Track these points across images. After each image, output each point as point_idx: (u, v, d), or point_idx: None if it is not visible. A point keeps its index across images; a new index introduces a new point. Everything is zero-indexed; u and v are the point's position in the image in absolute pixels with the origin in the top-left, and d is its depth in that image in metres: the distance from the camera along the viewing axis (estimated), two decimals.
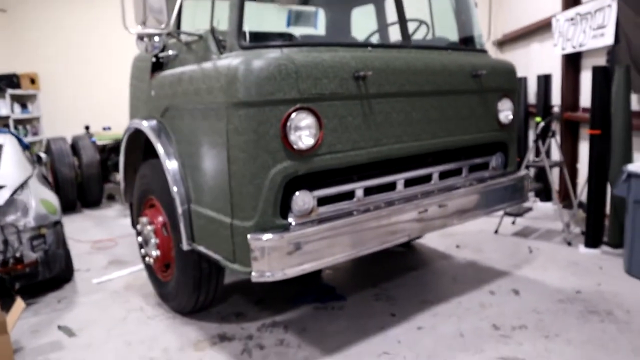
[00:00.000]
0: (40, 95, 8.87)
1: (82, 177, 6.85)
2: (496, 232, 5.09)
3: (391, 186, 3.05)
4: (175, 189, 3.02)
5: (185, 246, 3.02)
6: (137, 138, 3.73)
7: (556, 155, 5.65)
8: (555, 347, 2.90)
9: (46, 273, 3.90)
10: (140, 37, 2.84)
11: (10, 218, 3.73)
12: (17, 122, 8.58)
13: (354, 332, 3.18)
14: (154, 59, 3.42)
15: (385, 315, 3.39)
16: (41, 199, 3.99)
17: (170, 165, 3.08)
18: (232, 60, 2.51)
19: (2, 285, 3.66)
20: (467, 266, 4.27)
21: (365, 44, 3.05)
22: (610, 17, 4.73)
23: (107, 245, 5.32)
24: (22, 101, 8.80)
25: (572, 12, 5.52)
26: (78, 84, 9.06)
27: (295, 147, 2.50)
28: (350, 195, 2.86)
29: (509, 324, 3.21)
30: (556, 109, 5.90)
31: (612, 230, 4.40)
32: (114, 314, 3.61)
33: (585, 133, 5.71)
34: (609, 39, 4.76)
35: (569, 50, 5.60)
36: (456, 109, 3.26)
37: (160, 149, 3.14)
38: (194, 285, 3.23)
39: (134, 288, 4.10)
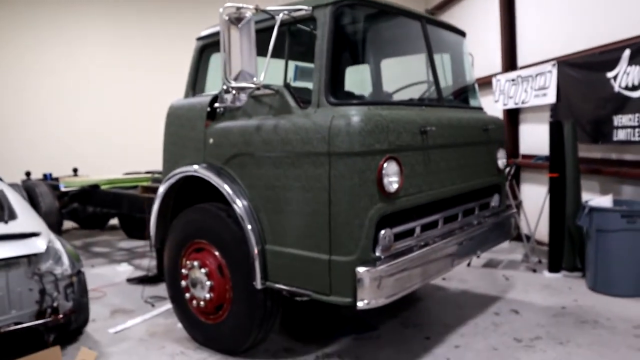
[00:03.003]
0: None
1: None
2: (469, 265, 5.76)
3: (434, 223, 3.55)
4: (249, 227, 3.23)
5: (259, 285, 3.22)
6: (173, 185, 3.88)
7: None
8: (572, 351, 3.52)
9: (74, 323, 3.79)
10: (227, 91, 3.10)
11: (45, 266, 3.61)
12: None
13: (405, 355, 3.55)
14: (208, 109, 3.65)
15: (421, 339, 3.81)
16: (66, 246, 3.90)
17: (242, 207, 3.29)
18: (331, 115, 2.87)
19: (37, 338, 3.51)
20: (462, 294, 4.86)
21: (419, 103, 3.57)
22: (551, 80, 5.79)
23: (96, 295, 5.12)
24: None
25: (513, 74, 6.60)
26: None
27: (386, 190, 2.91)
28: (409, 232, 3.30)
29: (526, 336, 3.79)
30: None
31: (568, 256, 5.27)
32: None
33: (526, 175, 6.74)
34: (551, 98, 5.82)
35: (511, 106, 6.65)
36: (474, 157, 3.89)
37: (229, 191, 3.34)
38: (258, 324, 3.40)
39: (159, 334, 4.08)
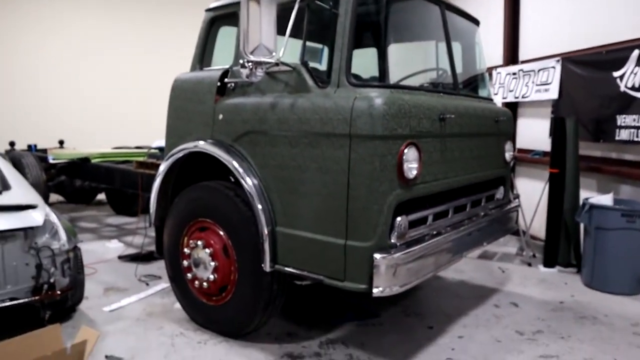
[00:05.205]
0: None
1: None
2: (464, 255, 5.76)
3: (444, 213, 3.50)
4: (259, 207, 3.15)
5: (267, 268, 3.14)
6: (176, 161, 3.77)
7: None
8: (574, 345, 3.54)
9: (70, 301, 3.67)
10: (243, 65, 2.98)
11: (42, 240, 3.47)
12: None
13: (409, 344, 3.52)
14: (219, 83, 3.53)
15: (424, 328, 3.79)
16: (62, 220, 3.76)
17: (252, 185, 3.19)
18: (353, 97, 2.78)
19: (33, 315, 3.38)
20: (460, 284, 4.86)
21: (437, 90, 3.50)
22: (554, 76, 5.79)
23: (88, 271, 4.96)
24: None
25: (514, 68, 6.58)
26: None
27: (405, 176, 2.85)
28: (421, 220, 3.25)
29: (528, 330, 3.80)
30: None
31: (563, 252, 5.31)
32: (158, 340, 3.52)
33: (521, 170, 6.77)
34: (553, 94, 5.81)
35: (511, 99, 6.64)
36: (485, 148, 3.85)
37: (239, 169, 3.24)
38: (263, 307, 3.33)
39: (157, 314, 3.99)
